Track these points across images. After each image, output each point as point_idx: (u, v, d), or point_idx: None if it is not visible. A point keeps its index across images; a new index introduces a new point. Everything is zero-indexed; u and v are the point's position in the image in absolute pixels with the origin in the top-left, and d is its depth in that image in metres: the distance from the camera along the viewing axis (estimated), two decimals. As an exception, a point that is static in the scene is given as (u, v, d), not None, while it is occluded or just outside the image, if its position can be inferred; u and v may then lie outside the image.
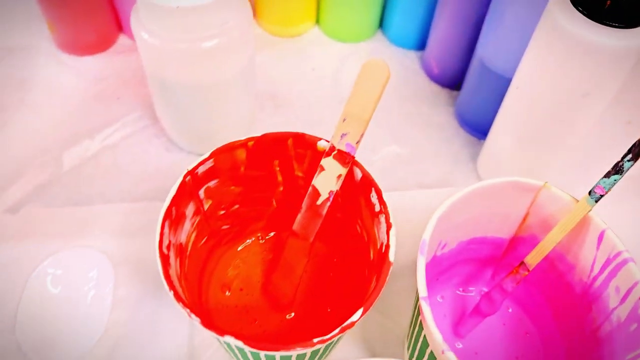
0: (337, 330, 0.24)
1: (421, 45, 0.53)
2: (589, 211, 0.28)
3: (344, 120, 0.29)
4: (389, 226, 0.28)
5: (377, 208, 0.29)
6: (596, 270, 0.29)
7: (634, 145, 0.26)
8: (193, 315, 0.24)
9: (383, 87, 0.28)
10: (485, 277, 0.36)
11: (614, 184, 0.27)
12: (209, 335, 0.35)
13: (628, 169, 0.27)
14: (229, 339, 0.24)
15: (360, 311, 0.25)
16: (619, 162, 0.27)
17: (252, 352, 0.26)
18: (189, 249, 0.31)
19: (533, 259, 0.30)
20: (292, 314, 0.33)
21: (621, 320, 0.27)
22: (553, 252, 0.32)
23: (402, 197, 0.40)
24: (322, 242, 0.36)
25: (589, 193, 0.28)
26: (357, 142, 0.29)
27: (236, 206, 0.33)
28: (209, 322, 0.24)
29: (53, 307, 0.34)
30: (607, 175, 0.27)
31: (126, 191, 0.42)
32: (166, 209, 0.27)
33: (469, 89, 0.46)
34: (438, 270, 0.34)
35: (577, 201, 0.29)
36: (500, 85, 0.40)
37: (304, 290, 0.34)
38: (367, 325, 0.35)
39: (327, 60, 0.52)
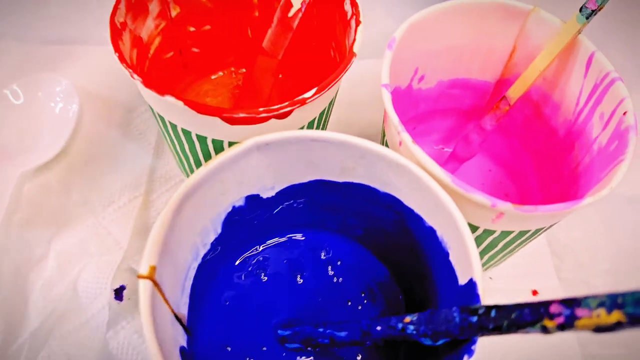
0: (286, 103, 0.22)
1: None
2: (579, 31, 0.26)
3: None
4: (357, 23, 0.26)
5: (350, 14, 0.27)
6: (582, 102, 0.27)
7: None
8: (135, 75, 0.23)
9: None
10: (467, 135, 0.34)
11: (608, -4, 0.25)
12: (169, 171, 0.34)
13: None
14: (169, 98, 0.22)
15: (314, 90, 0.23)
16: (615, -31, 0.24)
17: (198, 137, 0.25)
18: (151, 52, 0.29)
19: (516, 91, 0.28)
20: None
21: (602, 145, 0.25)
22: (538, 94, 0.29)
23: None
24: (292, 80, 0.34)
25: (580, 10, 0.26)
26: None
27: (207, 26, 0.32)
28: (149, 82, 0.22)
29: (15, 115, 0.33)
30: (602, -14, 0.25)
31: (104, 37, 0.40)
32: (124, -16, 0.26)
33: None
34: (415, 113, 0.32)
35: (566, 23, 0.26)
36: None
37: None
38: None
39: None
